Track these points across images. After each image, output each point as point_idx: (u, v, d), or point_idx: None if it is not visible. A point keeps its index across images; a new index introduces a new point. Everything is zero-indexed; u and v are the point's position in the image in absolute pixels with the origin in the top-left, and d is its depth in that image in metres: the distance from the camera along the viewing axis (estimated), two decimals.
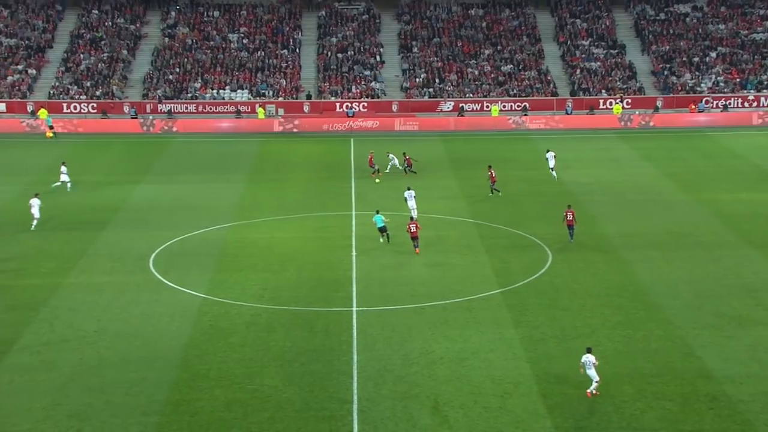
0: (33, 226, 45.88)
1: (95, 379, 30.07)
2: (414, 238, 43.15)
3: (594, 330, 34.11)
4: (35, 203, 46.07)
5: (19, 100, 76.21)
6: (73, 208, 50.68)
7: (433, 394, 29.18)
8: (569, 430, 27.15)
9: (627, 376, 30.23)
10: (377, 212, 44.66)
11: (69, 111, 75.86)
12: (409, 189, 48.24)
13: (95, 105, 76.42)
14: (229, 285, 38.83)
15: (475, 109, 78.85)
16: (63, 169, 54.26)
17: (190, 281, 39.06)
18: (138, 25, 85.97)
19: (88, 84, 78.42)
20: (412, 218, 45.28)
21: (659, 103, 78.94)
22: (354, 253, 43.16)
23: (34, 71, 79.71)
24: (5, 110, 75.36)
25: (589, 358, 28.79)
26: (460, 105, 78.39)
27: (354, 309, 36.40)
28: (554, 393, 29.06)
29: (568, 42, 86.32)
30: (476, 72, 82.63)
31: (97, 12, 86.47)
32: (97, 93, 77.77)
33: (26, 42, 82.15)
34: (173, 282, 39.06)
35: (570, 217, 44.47)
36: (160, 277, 39.73)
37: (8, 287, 38.19)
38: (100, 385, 29.55)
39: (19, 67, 79.65)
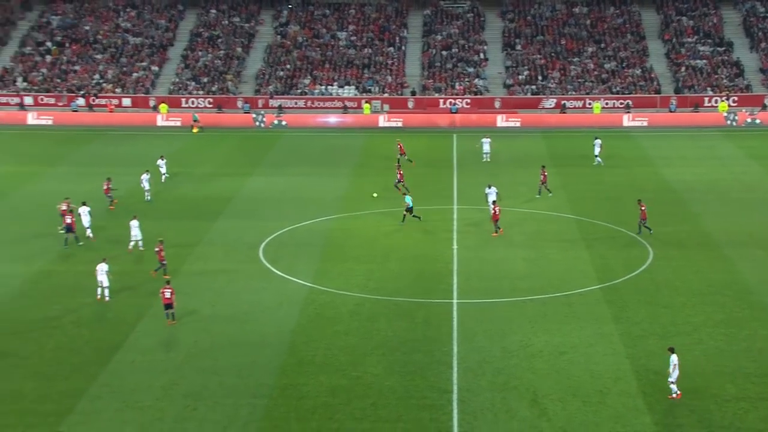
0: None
1: (209, 361, 30.81)
2: (495, 221, 43.81)
3: (695, 328, 33.20)
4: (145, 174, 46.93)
5: (142, 95, 78.50)
6: (190, 199, 51.94)
7: (531, 386, 28.90)
8: (669, 427, 26.51)
9: (729, 375, 29.33)
10: (405, 194, 46.44)
11: (187, 105, 77.77)
12: (490, 186, 47.66)
13: (211, 100, 78.15)
14: (334, 275, 39.21)
15: (577, 106, 77.55)
16: (161, 162, 55.25)
17: (297, 270, 39.60)
18: (252, 23, 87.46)
19: (205, 80, 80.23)
20: (494, 202, 45.43)
21: (767, 101, 76.10)
22: (455, 247, 43.03)
23: (157, 68, 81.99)
24: (131, 105, 77.73)
25: (672, 359, 27.97)
26: (563, 102, 77.20)
27: (454, 301, 36.31)
28: (654, 390, 28.41)
29: (674, 39, 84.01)
30: (579, 69, 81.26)
31: (215, 11, 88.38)
32: (213, 88, 79.50)
33: (150, 40, 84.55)
34: (281, 271, 39.66)
35: (642, 209, 43.67)
36: (269, 266, 40.39)
37: (130, 272, 39.42)
38: (213, 367, 30.27)
39: (144, 64, 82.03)
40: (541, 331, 33.15)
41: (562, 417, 27.10)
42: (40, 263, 40.24)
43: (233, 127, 74.71)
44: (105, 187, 49.24)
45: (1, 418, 26.90)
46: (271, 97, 78.03)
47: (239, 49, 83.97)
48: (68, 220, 42.65)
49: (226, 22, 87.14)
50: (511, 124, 74.65)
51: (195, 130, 72.33)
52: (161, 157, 55.69)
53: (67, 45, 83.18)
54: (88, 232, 43.72)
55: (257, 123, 74.88)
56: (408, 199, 46.41)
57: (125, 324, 33.81)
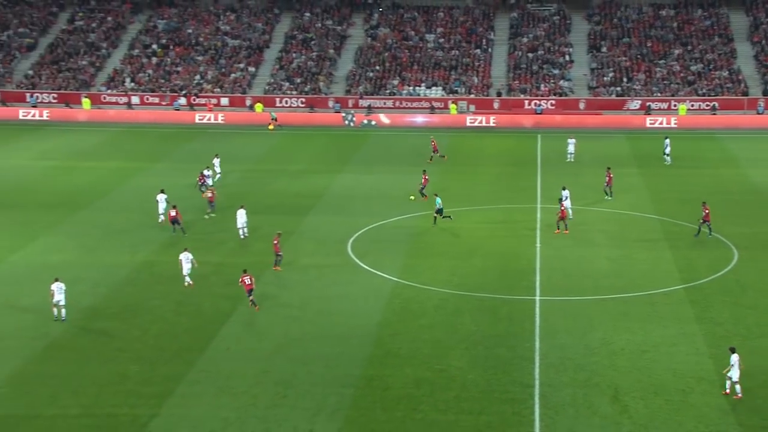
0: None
1: (299, 350, 31.20)
2: (561, 219, 43.53)
3: None
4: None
5: (240, 95, 79.90)
6: (283, 194, 52.63)
7: (613, 383, 28.43)
8: (755, 429, 25.74)
9: None
10: (436, 195, 45.46)
11: (281, 105, 78.81)
12: (564, 189, 46.86)
13: (303, 100, 79.04)
14: (419, 270, 39.24)
15: (662, 108, 75.80)
16: (216, 161, 55.05)
17: (384, 265, 39.75)
18: (344, 26, 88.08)
19: (298, 80, 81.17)
20: (560, 200, 44.97)
21: None
22: (538, 245, 42.59)
23: (253, 69, 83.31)
24: (228, 104, 79.19)
25: (732, 358, 27.09)
26: (648, 104, 75.57)
27: (537, 298, 35.96)
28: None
29: (763, 41, 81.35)
30: (665, 71, 79.42)
31: (308, 14, 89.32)
32: (306, 89, 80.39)
33: (248, 43, 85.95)
34: (369, 265, 39.88)
35: (705, 212, 42.46)
36: (357, 261, 40.65)
37: (225, 264, 40.17)
38: (302, 357, 30.64)
39: (241, 65, 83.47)
40: (623, 329, 32.57)
41: (644, 414, 26.59)
42: (144, 254, 41.35)
43: (324, 125, 75.40)
44: (200, 178, 50.31)
45: (109, 398, 27.76)
46: (361, 98, 78.48)
47: (331, 51, 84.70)
48: (172, 213, 43.78)
49: (320, 24, 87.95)
50: (595, 125, 73.36)
51: (271, 128, 73.36)
52: (216, 156, 55.60)
53: (171, 47, 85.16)
54: (161, 218, 45.29)
55: (347, 122, 75.41)
56: (438, 201, 45.30)
57: (221, 313, 34.47)
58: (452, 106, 76.57)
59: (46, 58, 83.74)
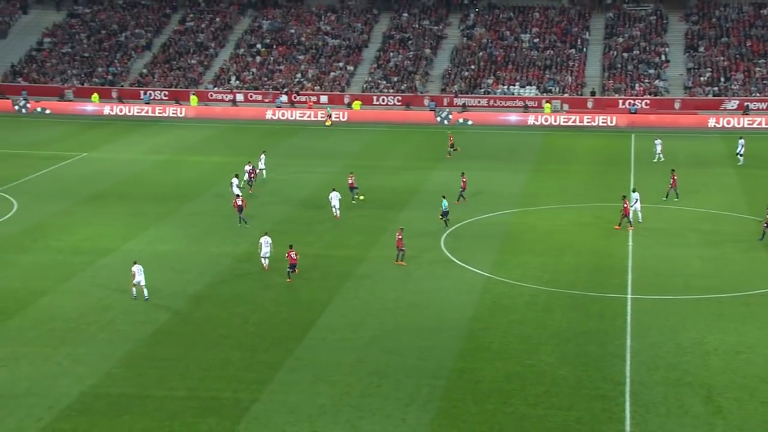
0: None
1: (392, 342, 31.32)
2: (624, 216, 42.94)
3: None
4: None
5: (338, 93, 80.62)
6: (379, 189, 52.87)
7: (706, 384, 27.63)
8: None
9: None
10: (443, 197, 44.42)
11: (378, 103, 79.19)
12: (634, 191, 45.50)
13: (400, 98, 79.22)
14: (511, 266, 38.90)
15: (761, 108, 73.08)
16: (262, 157, 55.32)
17: (475, 260, 39.56)
18: (441, 26, 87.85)
19: (395, 79, 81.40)
20: (624, 197, 44.32)
21: None
22: (630, 243, 41.69)
23: (352, 67, 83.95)
24: (327, 102, 79.99)
25: None
26: (745, 104, 72.99)
27: (629, 296, 35.21)
28: None
29: None
30: (765, 71, 76.51)
31: (406, 15, 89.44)
32: (402, 87, 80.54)
33: (347, 42, 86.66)
34: (461, 260, 39.74)
35: None
36: (449, 256, 40.56)
37: (324, 256, 40.65)
38: (396, 348, 30.75)
39: (340, 64, 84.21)
40: (717, 329, 31.60)
41: (738, 416, 25.74)
42: (245, 245, 42.14)
43: (419, 123, 75.42)
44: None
45: (213, 382, 28.44)
46: (456, 96, 78.17)
47: (428, 50, 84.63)
48: (239, 202, 44.76)
49: (417, 25, 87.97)
50: (691, 125, 71.31)
51: (328, 123, 74.14)
52: (263, 152, 56.07)
53: (274, 47, 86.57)
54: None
55: (440, 120, 75.25)
56: (444, 204, 44.17)
57: (318, 304, 34.88)
58: (546, 105, 75.54)
59: (159, 58, 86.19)
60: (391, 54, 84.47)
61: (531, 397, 27.19)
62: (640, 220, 44.23)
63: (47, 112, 78.71)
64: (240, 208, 44.81)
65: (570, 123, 73.58)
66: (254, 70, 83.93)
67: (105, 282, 37.08)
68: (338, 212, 45.84)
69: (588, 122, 73.35)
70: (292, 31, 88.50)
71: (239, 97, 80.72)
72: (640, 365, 28.94)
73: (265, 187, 53.00)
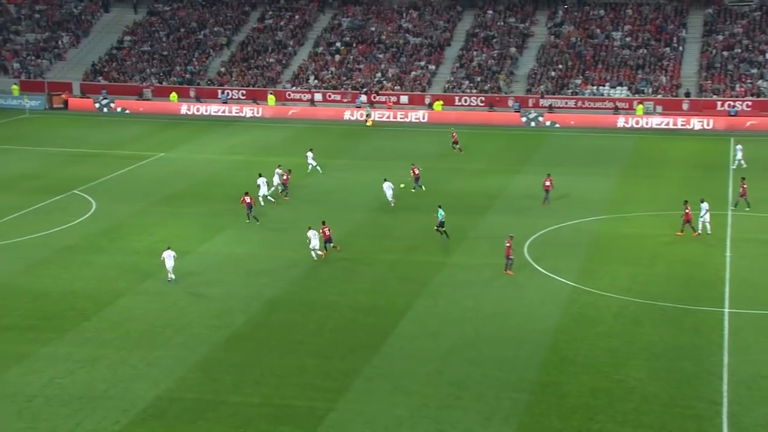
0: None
1: (472, 352, 31.22)
2: (687, 222, 42.69)
3: None
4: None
5: (419, 93, 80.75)
6: (460, 193, 52.76)
7: None
8: None
9: None
10: (439, 207, 43.76)
11: (460, 104, 79.03)
12: (702, 201, 44.15)
13: (483, 99, 78.89)
14: (598, 276, 38.36)
15: None
16: (309, 154, 57.40)
17: (561, 269, 39.13)
18: (527, 23, 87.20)
19: (478, 79, 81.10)
20: (685, 202, 43.82)
21: None
22: (728, 254, 40.65)
23: (433, 67, 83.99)
24: (408, 102, 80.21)
25: None
26: None
27: (726, 310, 34.32)
28: None
29: None
30: None
31: (491, 12, 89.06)
32: (486, 87, 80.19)
33: (429, 40, 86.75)
34: (545, 269, 39.35)
35: None
36: (533, 263, 40.21)
37: (402, 261, 40.79)
38: (476, 359, 30.64)
39: (421, 63, 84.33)
40: None
41: None
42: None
43: (503, 125, 74.96)
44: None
45: (288, 389, 28.81)
46: (542, 97, 77.45)
47: (513, 49, 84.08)
48: (247, 200, 46.42)
49: (502, 22, 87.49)
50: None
51: (369, 123, 74.54)
52: (311, 150, 58.02)
53: (354, 45, 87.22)
54: (269, 197, 49.77)
55: (525, 121, 74.63)
56: (441, 214, 43.26)
57: (395, 311, 35.00)
58: (638, 106, 74.21)
59: (237, 56, 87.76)
60: (475, 53, 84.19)
61: (619, 415, 26.75)
62: (709, 232, 43.11)
63: (126, 111, 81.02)
64: (249, 206, 46.53)
65: (663, 126, 72.22)
66: (333, 69, 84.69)
67: (181, 284, 37.93)
68: (393, 200, 48.95)
69: (683, 125, 71.93)
70: (373, 28, 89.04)
71: (317, 96, 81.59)
72: (739, 384, 28.17)
73: (334, 185, 53.47)
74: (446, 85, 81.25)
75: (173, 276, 38.01)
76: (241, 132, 72.25)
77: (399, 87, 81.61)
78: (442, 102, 78.28)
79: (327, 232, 41.15)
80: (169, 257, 37.87)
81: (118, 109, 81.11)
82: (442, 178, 56.32)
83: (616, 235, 44.22)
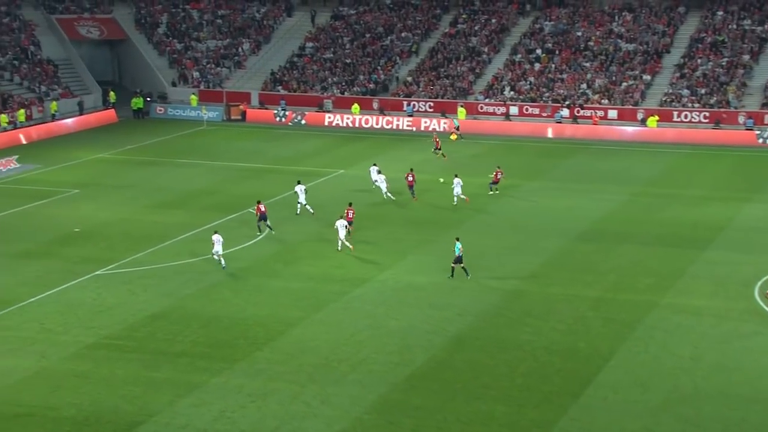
0: None
1: (689, 410, 30.17)
2: None
3: None
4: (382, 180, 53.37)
5: (630, 107, 79.03)
6: (676, 223, 51.25)
7: None
8: None
9: None
10: (457, 239, 43.02)
11: (679, 120, 76.77)
12: None
13: (707, 114, 76.27)
14: None
15: None
16: (372, 169, 59.07)
17: None
18: (766, 26, 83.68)
19: (703, 91, 78.54)
20: None
21: None
22: None
23: (648, 77, 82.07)
24: (616, 117, 78.75)
25: None
26: None
27: None
28: None
29: None
30: None
31: (721, 13, 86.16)
32: (711, 101, 77.54)
33: (644, 47, 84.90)
34: None
35: None
36: (766, 308, 38.43)
37: (606, 300, 40.02)
38: (694, 418, 29.58)
39: (634, 72, 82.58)
40: None
41: None
42: (513, 282, 42.42)
43: (731, 145, 72.24)
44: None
45: None
46: None
47: (746, 57, 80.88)
48: (262, 208, 49.18)
49: (734, 25, 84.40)
50: None
51: (453, 137, 74.43)
52: (374, 165, 59.46)
53: (557, 52, 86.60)
54: (308, 207, 53.13)
55: (762, 141, 71.56)
56: (457, 247, 41.69)
57: (598, 356, 34.37)
58: None
59: (425, 64, 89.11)
60: (699, 61, 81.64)
61: None
62: None
63: (303, 123, 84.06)
64: (263, 215, 49.08)
65: None
66: (532, 79, 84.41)
67: (358, 315, 38.82)
68: (456, 198, 54.65)
69: None
70: (579, 33, 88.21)
71: (513, 110, 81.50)
72: None
73: (528, 209, 53.15)
74: (663, 98, 79.23)
75: (225, 263, 43.79)
76: (427, 147, 73.24)
77: (607, 100, 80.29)
78: (657, 117, 76.39)
79: (350, 215, 47.03)
80: (218, 242, 43.67)
81: (302, 122, 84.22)
82: (656, 205, 54.87)
83: None
